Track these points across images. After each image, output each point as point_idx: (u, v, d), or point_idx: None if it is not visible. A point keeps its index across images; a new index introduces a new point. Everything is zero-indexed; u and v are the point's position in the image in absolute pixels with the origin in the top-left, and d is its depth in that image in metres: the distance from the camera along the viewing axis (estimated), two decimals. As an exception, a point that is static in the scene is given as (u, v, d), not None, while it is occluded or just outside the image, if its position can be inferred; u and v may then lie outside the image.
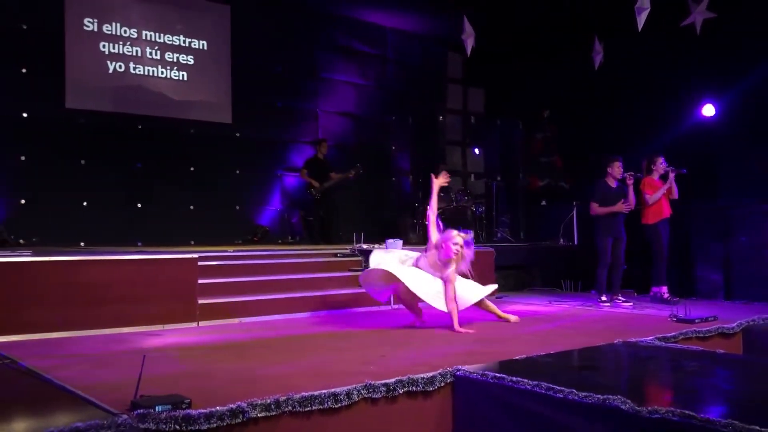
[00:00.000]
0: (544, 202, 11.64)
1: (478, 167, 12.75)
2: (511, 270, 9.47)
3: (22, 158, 8.56)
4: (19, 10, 8.48)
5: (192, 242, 9.36)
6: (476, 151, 12.70)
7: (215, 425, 3.12)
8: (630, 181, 7.73)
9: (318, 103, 11.19)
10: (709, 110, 9.45)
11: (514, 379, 3.79)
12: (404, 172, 12.06)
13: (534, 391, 3.64)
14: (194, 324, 6.08)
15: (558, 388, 3.55)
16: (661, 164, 7.97)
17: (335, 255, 8.13)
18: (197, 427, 3.07)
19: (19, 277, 5.40)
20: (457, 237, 5.80)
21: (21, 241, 8.19)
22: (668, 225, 7.99)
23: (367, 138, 11.51)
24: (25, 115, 8.59)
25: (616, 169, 7.83)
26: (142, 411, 3.01)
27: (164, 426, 3.00)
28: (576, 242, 10.32)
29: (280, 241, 10.31)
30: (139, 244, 8.83)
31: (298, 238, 10.57)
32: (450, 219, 10.35)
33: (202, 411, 3.11)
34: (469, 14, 9.79)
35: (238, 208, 10.36)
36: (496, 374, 3.89)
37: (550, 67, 11.02)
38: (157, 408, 3.04)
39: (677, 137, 9.37)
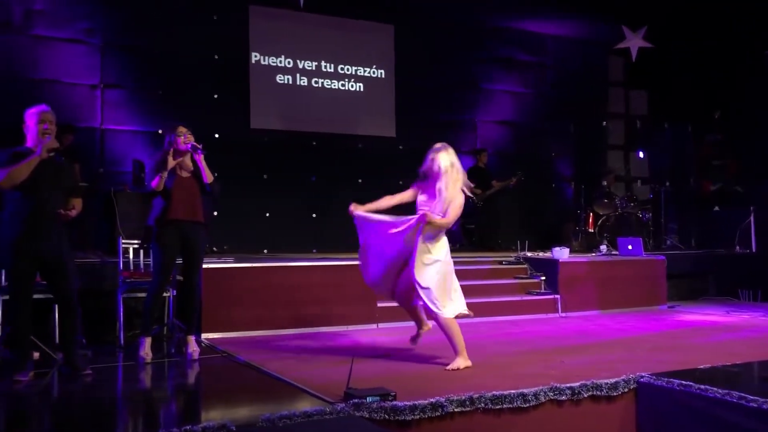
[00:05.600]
0: (717, 208, 11.07)
1: (643, 172, 12.37)
2: (682, 279, 9.15)
3: (215, 174, 9.49)
4: (211, 42, 9.47)
5: (360, 249, 9.92)
6: (641, 154, 12.34)
7: (418, 417, 3.47)
8: None
9: (477, 113, 11.42)
10: None
11: (702, 387, 3.81)
12: (565, 178, 11.98)
13: (724, 400, 3.66)
14: (374, 325, 6.55)
15: (751, 397, 3.55)
16: None
17: (500, 263, 8.32)
18: (402, 418, 3.44)
19: (227, 281, 6.12)
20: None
21: (214, 248, 9.10)
22: None
23: (526, 145, 11.56)
24: (216, 135, 9.54)
25: None
26: (356, 401, 3.41)
27: (375, 415, 3.40)
28: (754, 249, 9.75)
29: (441, 249, 10.61)
30: (314, 251, 9.52)
31: (458, 245, 10.81)
32: (614, 226, 10.19)
33: (407, 403, 3.47)
34: (631, 17, 9.60)
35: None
36: (683, 382, 3.93)
37: (720, 65, 10.50)
38: (368, 399, 3.43)
39: None
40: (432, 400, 3.53)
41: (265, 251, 9.37)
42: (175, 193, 4.98)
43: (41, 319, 4.86)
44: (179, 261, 5.27)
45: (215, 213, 9.47)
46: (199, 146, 5.00)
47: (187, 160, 5.10)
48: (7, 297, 5.04)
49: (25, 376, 4.26)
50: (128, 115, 8.96)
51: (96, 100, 8.81)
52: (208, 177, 5.05)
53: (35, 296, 4.67)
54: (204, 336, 5.81)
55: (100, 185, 8.22)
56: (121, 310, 5.54)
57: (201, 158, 5.04)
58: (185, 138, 5.00)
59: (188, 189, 5.04)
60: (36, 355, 4.77)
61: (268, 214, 9.74)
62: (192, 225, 5.04)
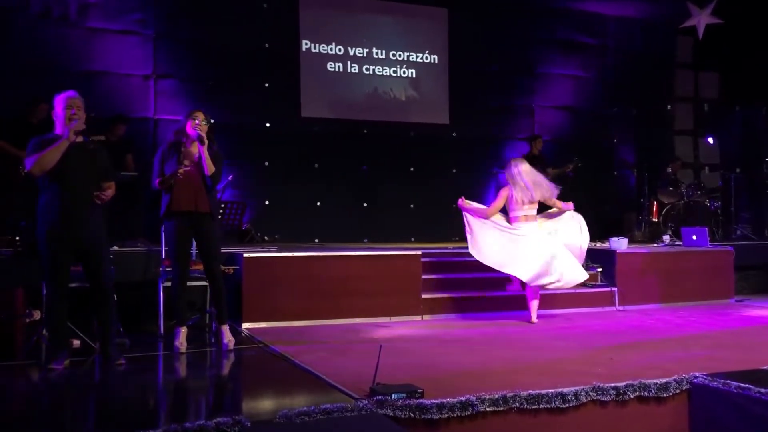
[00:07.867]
0: (795, 196, 10.37)
1: (712, 158, 11.70)
2: (753, 271, 8.62)
3: (266, 164, 9.51)
4: (261, 32, 9.43)
5: (412, 239, 9.76)
6: (710, 140, 11.66)
7: (446, 416, 3.28)
8: None
9: (534, 98, 11.03)
10: None
11: (763, 390, 3.48)
12: (627, 165, 11.46)
13: (787, 406, 3.32)
14: (418, 317, 6.37)
15: (817, 404, 3.21)
16: None
17: (554, 253, 7.98)
18: (429, 416, 3.26)
19: (268, 271, 6.05)
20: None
21: (265, 237, 9.10)
22: None
23: (586, 132, 11.09)
24: (267, 125, 9.53)
25: None
26: (380, 398, 3.26)
27: (400, 413, 3.23)
28: (835, 240, 9.08)
29: (496, 238, 10.33)
30: (366, 240, 9.41)
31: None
32: (681, 216, 9.68)
33: (434, 401, 3.29)
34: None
35: (454, 206, 10.50)
36: (741, 384, 3.60)
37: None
38: (393, 396, 3.27)
39: None
40: (462, 398, 3.34)
41: (316, 240, 9.32)
42: (177, 184, 4.86)
43: (81, 307, 4.88)
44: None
45: (266, 202, 9.52)
46: (205, 141, 4.84)
47: (193, 149, 4.94)
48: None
49: (60, 365, 4.27)
50: (181, 105, 8.98)
51: (149, 90, 8.90)
52: (209, 169, 4.85)
53: (76, 285, 4.71)
54: (245, 325, 5.77)
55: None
56: (161, 298, 5.54)
57: (204, 149, 4.83)
58: (198, 124, 4.85)
59: (190, 180, 4.87)
60: (76, 343, 4.81)
61: (319, 204, 9.67)
62: (198, 216, 4.90)
